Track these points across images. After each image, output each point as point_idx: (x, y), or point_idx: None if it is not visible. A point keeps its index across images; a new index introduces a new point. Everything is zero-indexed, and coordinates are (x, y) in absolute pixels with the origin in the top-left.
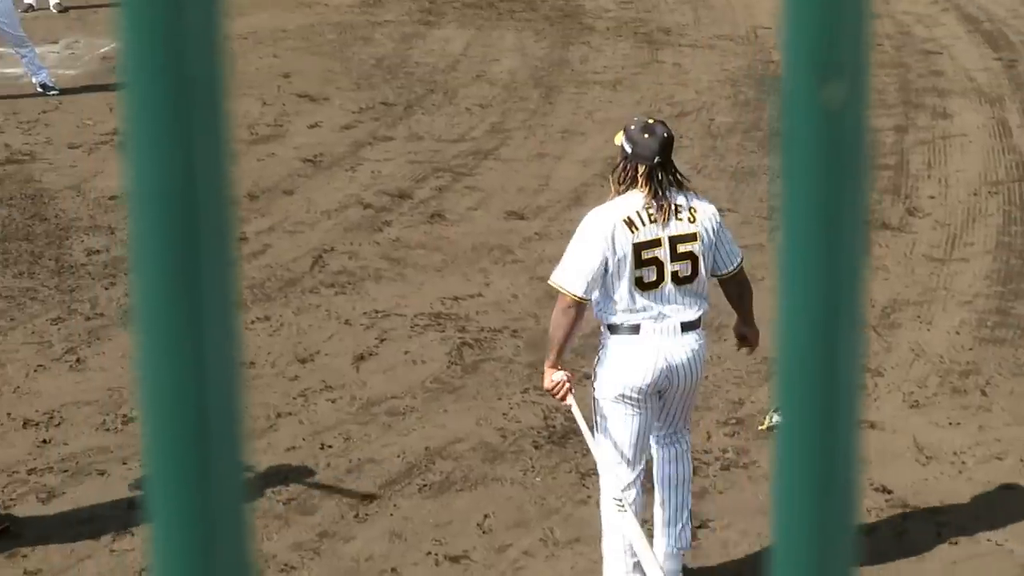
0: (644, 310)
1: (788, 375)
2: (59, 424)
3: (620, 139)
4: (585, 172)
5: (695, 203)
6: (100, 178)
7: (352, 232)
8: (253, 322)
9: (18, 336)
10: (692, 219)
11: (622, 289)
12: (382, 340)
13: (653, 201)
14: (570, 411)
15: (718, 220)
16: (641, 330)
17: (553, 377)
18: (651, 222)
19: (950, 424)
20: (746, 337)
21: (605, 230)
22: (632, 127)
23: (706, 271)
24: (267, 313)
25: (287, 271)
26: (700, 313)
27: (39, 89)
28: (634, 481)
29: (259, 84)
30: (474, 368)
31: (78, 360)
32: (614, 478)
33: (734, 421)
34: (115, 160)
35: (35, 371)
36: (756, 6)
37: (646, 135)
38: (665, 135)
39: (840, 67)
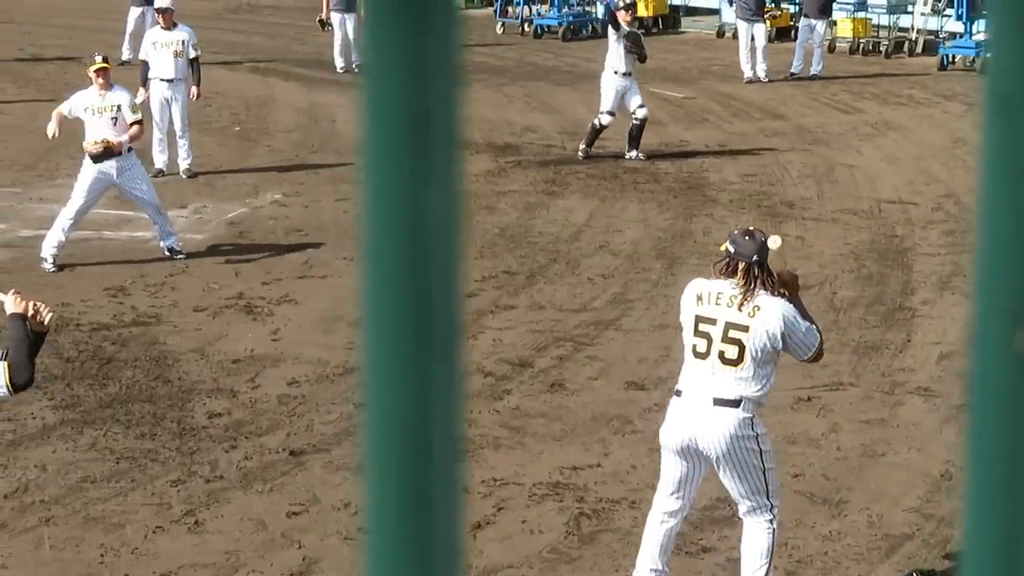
0: (691, 379)
1: None
2: None
3: (725, 246)
4: None
5: (762, 304)
6: (224, 341)
7: (472, 400)
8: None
9: (138, 497)
10: (752, 315)
11: (685, 352)
12: (500, 508)
13: (737, 288)
14: None
15: (780, 322)
16: (682, 395)
17: None
18: (716, 304)
19: None
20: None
21: (686, 294)
22: (735, 233)
23: (754, 362)
24: None
25: None
26: (739, 395)
27: (167, 253)
28: (676, 512)
29: None
30: (591, 539)
31: (196, 523)
32: (663, 500)
33: None
34: (239, 324)
35: (153, 532)
36: (880, 180)
37: (747, 238)
38: (763, 239)
39: None
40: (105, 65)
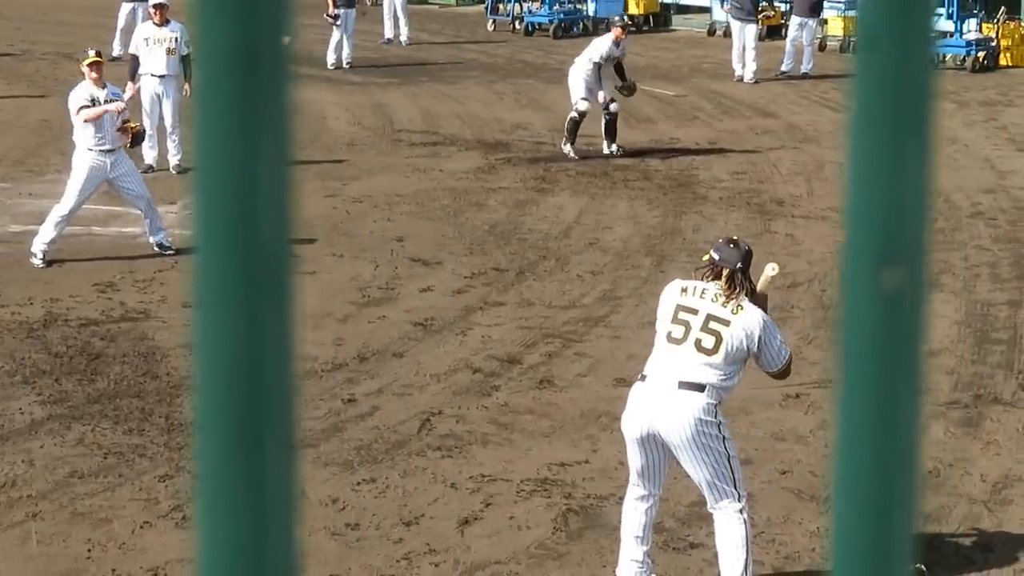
0: (658, 363)
1: (841, 557)
2: None
3: (708, 255)
4: None
5: (746, 306)
6: None
7: (460, 396)
8: (359, 484)
9: (126, 492)
10: (735, 312)
11: (657, 342)
12: (487, 504)
13: (724, 291)
14: None
15: (760, 328)
16: (646, 379)
17: None
18: (700, 297)
19: None
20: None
21: (666, 292)
22: (720, 242)
23: (727, 356)
24: (373, 475)
25: (395, 433)
26: (705, 381)
27: (156, 248)
28: (645, 498)
29: (372, 247)
30: (579, 535)
31: (184, 518)
32: (631, 487)
33: None
34: None
35: (141, 527)
36: None
37: (731, 246)
38: (746, 248)
39: (898, 254)
40: (99, 59)
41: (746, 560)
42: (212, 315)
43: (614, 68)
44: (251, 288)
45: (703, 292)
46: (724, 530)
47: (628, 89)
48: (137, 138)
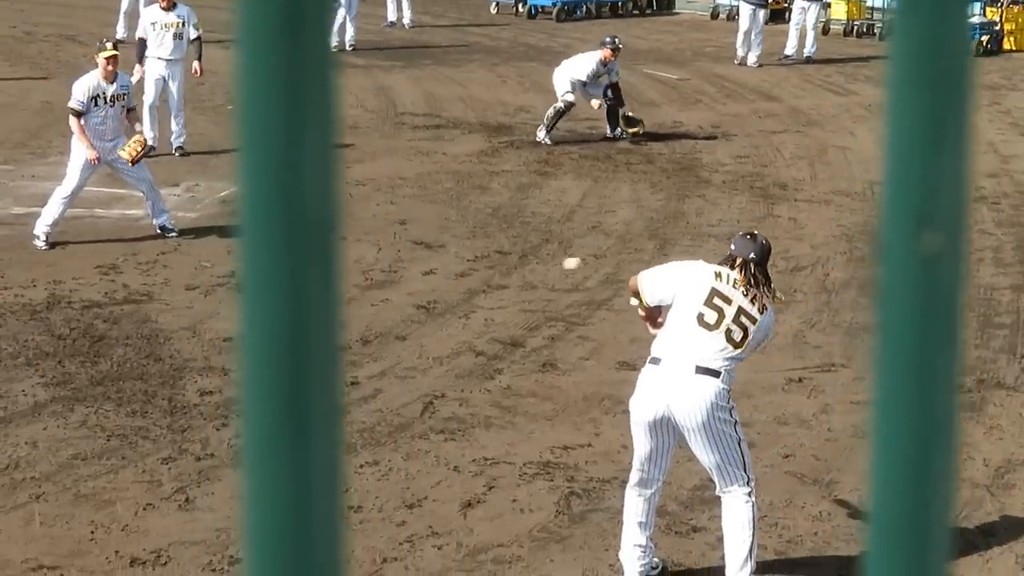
0: (675, 346)
1: (879, 528)
2: (166, 563)
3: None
4: None
5: (768, 308)
6: (215, 320)
7: (463, 379)
8: (362, 466)
9: (128, 474)
10: (761, 311)
11: (679, 319)
12: (490, 488)
13: (741, 281)
14: None
15: (771, 325)
16: (660, 363)
17: None
18: (733, 287)
19: None
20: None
21: (695, 266)
22: (737, 234)
23: (746, 351)
24: (376, 458)
25: (397, 416)
26: (721, 367)
27: (158, 231)
28: (648, 482)
29: (376, 230)
30: (582, 518)
31: (187, 500)
32: (634, 472)
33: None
34: (231, 302)
35: (144, 509)
36: (872, 162)
37: (748, 238)
38: (763, 242)
39: (937, 217)
40: (116, 53)
41: (752, 543)
42: (257, 294)
43: (611, 90)
44: (297, 265)
45: (735, 283)
46: (732, 513)
47: (632, 123)
48: (144, 153)
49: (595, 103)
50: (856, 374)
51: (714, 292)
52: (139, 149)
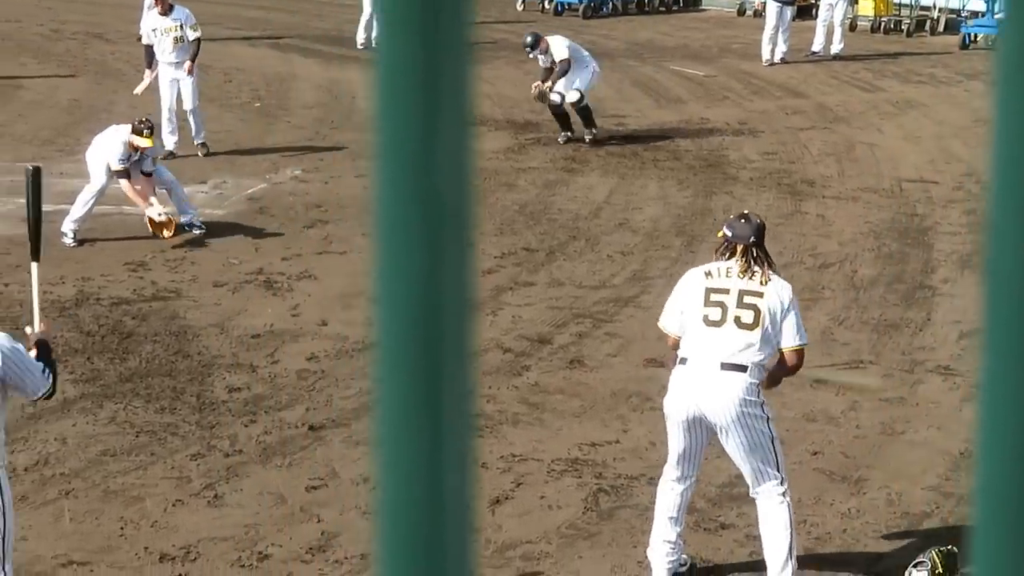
0: (697, 346)
1: (985, 508)
2: (195, 559)
3: (722, 231)
4: None
5: (772, 277)
6: (243, 316)
7: (491, 376)
8: None
9: (158, 471)
10: (763, 283)
11: (691, 327)
12: (518, 484)
13: (738, 266)
14: None
15: (790, 298)
16: (687, 363)
17: None
18: (727, 276)
19: None
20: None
21: (687, 279)
22: (731, 218)
23: (769, 328)
24: None
25: None
26: (747, 361)
27: (186, 228)
28: (682, 480)
29: None
30: (610, 515)
31: (216, 496)
32: (668, 468)
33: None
34: (258, 299)
35: (173, 506)
36: (900, 159)
37: (742, 221)
38: (758, 222)
39: None
40: (150, 140)
41: (791, 543)
42: (393, 282)
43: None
44: (432, 251)
45: (728, 271)
46: (768, 516)
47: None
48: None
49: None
50: (884, 371)
51: (708, 291)
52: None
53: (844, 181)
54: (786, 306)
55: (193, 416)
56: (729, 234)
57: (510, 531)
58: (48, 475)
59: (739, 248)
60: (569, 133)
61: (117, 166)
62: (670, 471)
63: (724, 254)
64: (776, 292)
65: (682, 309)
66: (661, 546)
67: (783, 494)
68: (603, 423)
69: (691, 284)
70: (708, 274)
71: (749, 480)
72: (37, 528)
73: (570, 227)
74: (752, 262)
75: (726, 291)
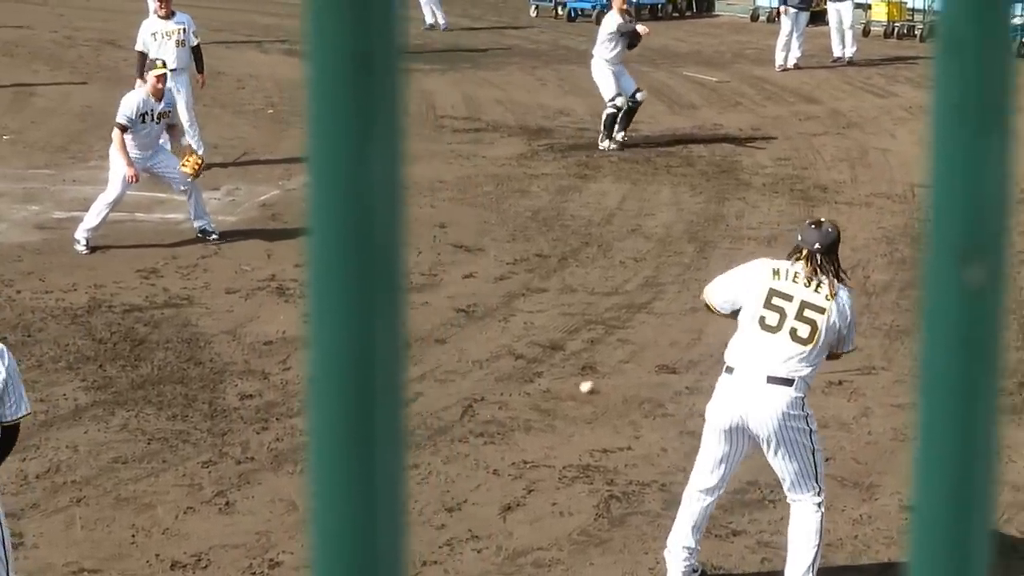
0: (746, 354)
1: (920, 532)
2: (206, 567)
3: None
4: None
5: (839, 290)
6: (256, 323)
7: (503, 382)
8: None
9: (169, 478)
10: (828, 298)
11: (746, 324)
12: (530, 491)
13: (805, 272)
14: None
15: (849, 318)
16: (734, 372)
17: None
18: (793, 281)
19: None
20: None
21: (755, 267)
22: (805, 222)
23: (823, 344)
24: (416, 461)
25: (437, 420)
26: (793, 375)
27: (199, 234)
28: (712, 489)
29: (415, 233)
30: (621, 521)
31: (227, 503)
32: (700, 477)
33: None
34: (271, 306)
35: (184, 513)
36: (914, 165)
37: (812, 227)
38: (829, 229)
39: (981, 249)
40: (167, 71)
41: (816, 553)
42: (325, 311)
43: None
44: (364, 283)
45: (795, 276)
46: (800, 521)
47: (634, 38)
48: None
49: (631, 85)
50: (897, 377)
51: (772, 292)
52: (199, 164)
53: (857, 187)
54: (846, 323)
55: (205, 423)
56: (799, 238)
57: (521, 538)
58: (60, 482)
59: (803, 252)
60: (624, 134)
61: (121, 119)
62: (701, 479)
63: (795, 259)
64: (838, 310)
65: (736, 296)
66: (679, 552)
67: (819, 504)
68: (615, 430)
69: (757, 277)
70: (776, 272)
71: (786, 487)
72: (48, 535)
73: (583, 233)
74: (817, 269)
75: (789, 297)
